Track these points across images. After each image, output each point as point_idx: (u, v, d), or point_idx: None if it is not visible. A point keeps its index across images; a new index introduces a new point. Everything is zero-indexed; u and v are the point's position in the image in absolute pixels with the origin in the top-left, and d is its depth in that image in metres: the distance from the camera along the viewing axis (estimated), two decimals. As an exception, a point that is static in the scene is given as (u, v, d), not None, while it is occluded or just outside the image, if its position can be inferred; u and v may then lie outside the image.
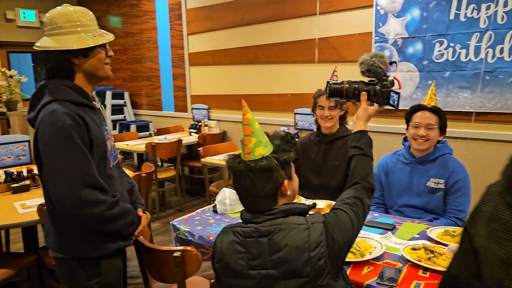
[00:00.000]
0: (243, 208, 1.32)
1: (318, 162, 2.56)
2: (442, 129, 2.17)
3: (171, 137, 4.97)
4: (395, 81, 1.57)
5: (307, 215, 1.27)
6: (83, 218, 1.41)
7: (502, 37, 3.06)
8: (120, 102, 6.21)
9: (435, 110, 2.18)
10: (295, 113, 4.44)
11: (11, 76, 5.39)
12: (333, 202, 2.30)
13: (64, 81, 1.47)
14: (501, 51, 3.07)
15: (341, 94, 1.58)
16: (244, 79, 4.92)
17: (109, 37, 1.54)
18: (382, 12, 3.62)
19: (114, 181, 1.57)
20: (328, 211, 1.30)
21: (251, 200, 1.26)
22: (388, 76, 1.58)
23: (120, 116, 6.21)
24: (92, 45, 1.46)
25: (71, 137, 1.37)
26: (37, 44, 1.47)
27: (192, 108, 5.53)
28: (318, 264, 1.16)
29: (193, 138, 5.05)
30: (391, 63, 1.59)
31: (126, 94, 6.28)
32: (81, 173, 1.38)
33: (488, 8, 3.09)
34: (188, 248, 1.62)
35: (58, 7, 1.50)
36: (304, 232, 1.19)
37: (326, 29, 4.07)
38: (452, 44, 3.29)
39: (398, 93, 1.58)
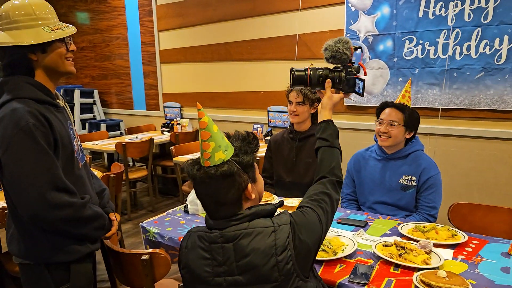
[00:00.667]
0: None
1: (291, 159, 2.55)
2: (409, 126, 2.16)
3: (142, 136, 4.87)
4: (361, 68, 1.52)
5: (274, 216, 1.22)
6: (49, 221, 1.34)
7: (469, 34, 3.12)
8: (89, 100, 6.03)
9: (400, 107, 2.18)
10: (268, 111, 4.41)
11: None
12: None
13: (24, 78, 1.39)
14: (468, 48, 3.13)
15: (305, 81, 1.52)
16: (217, 76, 4.86)
17: (70, 30, 1.45)
18: (353, 9, 3.63)
19: (84, 181, 1.50)
20: (296, 211, 1.26)
21: (214, 208, 1.19)
22: (354, 63, 1.53)
23: (90, 115, 6.04)
24: (49, 40, 1.37)
25: (34, 138, 1.29)
26: None
27: (164, 106, 5.43)
28: (286, 268, 1.12)
29: (165, 137, 4.96)
30: (356, 48, 1.54)
31: (96, 93, 6.11)
32: (46, 175, 1.31)
33: (455, 6, 3.14)
34: (157, 250, 1.56)
35: (13, 0, 1.40)
36: (270, 236, 1.14)
37: (298, 26, 4.06)
38: (421, 41, 3.33)
39: (363, 80, 1.52)
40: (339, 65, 1.54)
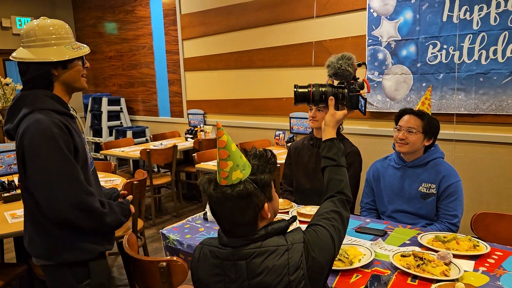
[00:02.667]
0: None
1: (310, 166, 2.54)
2: (427, 133, 2.13)
3: (166, 143, 4.96)
4: (364, 84, 1.51)
5: (287, 233, 1.22)
6: (76, 224, 1.44)
7: (495, 38, 3.04)
8: (116, 108, 6.20)
9: (419, 114, 2.15)
10: (290, 117, 4.42)
11: (6, 84, 5.38)
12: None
13: (43, 91, 1.50)
14: (495, 52, 3.05)
15: (308, 98, 1.51)
16: (239, 83, 4.91)
17: (85, 50, 1.58)
18: (375, 15, 3.60)
19: (92, 186, 1.58)
20: (308, 228, 1.25)
21: (229, 227, 1.19)
22: (358, 79, 1.52)
23: (117, 122, 6.20)
24: (71, 57, 1.49)
25: (59, 146, 1.40)
26: (13, 55, 1.50)
27: (188, 113, 5.52)
28: (298, 287, 1.13)
29: (189, 143, 5.03)
30: (359, 64, 1.53)
31: (122, 100, 6.27)
32: (73, 181, 1.42)
33: (480, 9, 3.07)
34: (174, 258, 1.59)
35: (35, 20, 1.53)
36: (283, 255, 1.14)
37: (321, 32, 4.05)
38: (445, 46, 3.27)
39: (365, 98, 1.51)
40: (343, 81, 1.53)
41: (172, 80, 5.70)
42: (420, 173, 2.17)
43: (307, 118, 4.28)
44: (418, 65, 3.42)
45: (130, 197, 1.82)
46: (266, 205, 1.18)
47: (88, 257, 1.53)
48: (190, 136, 5.26)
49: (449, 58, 3.26)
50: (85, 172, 1.53)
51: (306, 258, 1.14)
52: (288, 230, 1.25)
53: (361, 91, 1.50)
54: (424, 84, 3.41)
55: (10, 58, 1.51)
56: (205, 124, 5.33)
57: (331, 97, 1.49)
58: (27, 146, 1.40)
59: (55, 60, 1.47)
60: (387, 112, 3.67)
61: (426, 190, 2.13)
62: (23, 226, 2.18)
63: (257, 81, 4.72)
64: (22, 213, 2.41)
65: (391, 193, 2.23)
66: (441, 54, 3.30)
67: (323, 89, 1.50)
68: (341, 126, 2.58)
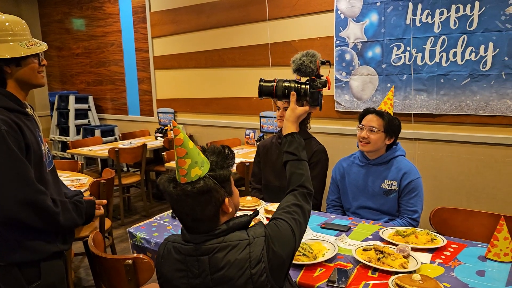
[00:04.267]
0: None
1: (279, 164, 2.58)
2: (388, 132, 2.20)
3: (136, 142, 4.90)
4: (327, 82, 1.54)
5: (249, 227, 1.25)
6: (25, 223, 1.41)
7: (455, 41, 3.17)
8: (84, 106, 6.07)
9: (380, 114, 2.23)
10: (260, 116, 4.46)
11: None
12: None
13: None
14: (454, 55, 3.18)
15: (271, 93, 1.54)
16: (210, 82, 4.91)
17: (42, 47, 1.55)
18: (342, 16, 3.68)
19: (49, 186, 1.56)
20: (270, 222, 1.28)
21: (191, 224, 1.21)
22: (322, 76, 1.56)
23: (85, 121, 6.07)
24: (24, 55, 1.47)
25: (7, 143, 1.37)
26: None
27: (158, 112, 5.47)
28: (259, 280, 1.15)
29: (159, 142, 4.99)
30: (323, 62, 1.56)
31: (91, 98, 6.15)
32: (20, 179, 1.39)
33: (441, 13, 3.20)
34: (141, 255, 1.59)
35: None
36: (245, 249, 1.16)
37: (289, 33, 4.11)
38: (408, 48, 3.38)
39: (321, 94, 1.55)
40: (308, 78, 1.57)
41: (142, 78, 5.63)
42: (382, 170, 2.25)
43: (276, 117, 4.32)
44: (383, 66, 3.53)
45: (98, 201, 1.79)
46: (226, 199, 1.21)
47: (38, 257, 1.50)
48: (160, 135, 5.22)
49: (412, 60, 3.38)
50: (40, 171, 1.51)
51: (267, 251, 1.17)
52: (250, 225, 1.28)
53: (323, 89, 1.54)
54: (388, 85, 3.52)
55: None
56: (175, 123, 5.30)
57: (293, 92, 1.52)
58: None
59: (8, 57, 1.44)
60: (354, 111, 3.76)
61: (388, 187, 2.21)
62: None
63: (228, 80, 4.74)
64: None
65: (355, 190, 2.30)
66: (404, 56, 3.41)
67: (286, 84, 1.53)
68: (308, 125, 2.63)
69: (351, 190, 2.32)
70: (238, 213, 1.31)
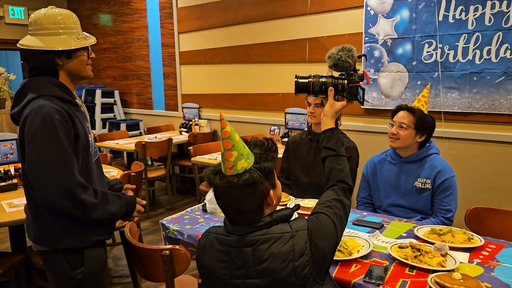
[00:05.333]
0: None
1: (308, 161, 2.58)
2: (419, 129, 2.17)
3: (161, 136, 4.96)
4: (364, 76, 1.53)
5: (291, 221, 1.25)
6: (62, 210, 1.44)
7: (489, 38, 3.10)
8: (110, 100, 6.17)
9: (411, 110, 2.20)
10: (286, 113, 4.45)
11: (-1, 74, 5.34)
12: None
13: (48, 78, 1.52)
14: (488, 52, 3.11)
15: (308, 89, 1.53)
16: (235, 78, 4.92)
17: (91, 40, 1.60)
18: (372, 12, 3.64)
19: (94, 175, 1.60)
20: (311, 216, 1.29)
21: (235, 216, 1.22)
22: (358, 70, 1.54)
23: (110, 115, 6.17)
24: (74, 48, 1.51)
25: (58, 133, 1.41)
26: (20, 42, 1.51)
27: (183, 107, 5.52)
28: (303, 273, 1.16)
29: (184, 137, 5.04)
30: (359, 56, 1.55)
31: (116, 93, 6.24)
32: (63, 168, 1.42)
33: (476, 10, 3.13)
34: (177, 247, 1.62)
35: (43, 9, 1.54)
36: (288, 242, 1.17)
37: (317, 29, 4.08)
38: (440, 45, 3.32)
39: (363, 89, 1.54)
40: (344, 73, 1.55)
41: (167, 73, 5.69)
42: (415, 168, 2.22)
43: (302, 114, 4.32)
44: (414, 63, 3.48)
45: (126, 185, 1.84)
46: (271, 192, 1.22)
47: (82, 245, 1.54)
48: (185, 129, 5.26)
49: (444, 57, 3.32)
50: (86, 161, 1.55)
51: (310, 244, 1.18)
52: (292, 219, 1.28)
53: (360, 83, 1.53)
54: (419, 82, 3.47)
55: (17, 45, 1.52)
56: (199, 118, 5.34)
57: (331, 87, 1.51)
58: (27, 130, 1.43)
59: (60, 49, 1.49)
60: (382, 109, 3.72)
61: (422, 185, 2.18)
62: (20, 215, 2.21)
63: (253, 76, 4.74)
64: (19, 203, 2.42)
65: (387, 187, 2.28)
66: (436, 53, 3.35)
67: (323, 79, 1.52)
68: (339, 122, 2.62)
69: (383, 188, 2.30)
70: None
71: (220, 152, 1.24)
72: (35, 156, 1.41)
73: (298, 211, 2.13)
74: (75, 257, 1.54)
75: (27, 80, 1.53)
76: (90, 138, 1.61)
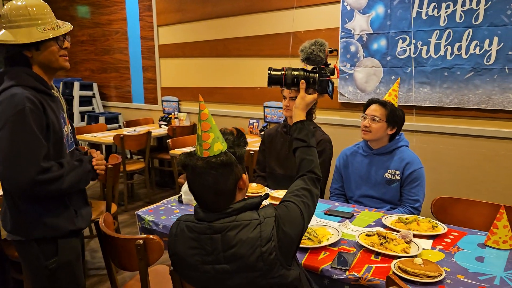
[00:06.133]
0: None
1: (283, 153, 2.63)
2: (390, 122, 2.24)
3: (140, 129, 4.94)
4: (335, 70, 1.57)
5: (260, 208, 1.30)
6: (41, 194, 1.47)
7: (460, 35, 3.20)
8: (89, 93, 6.10)
9: (383, 103, 2.27)
10: (264, 106, 4.49)
11: None
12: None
13: (23, 69, 1.52)
14: (459, 48, 3.21)
15: (281, 81, 1.57)
16: (214, 71, 4.94)
17: (63, 29, 1.57)
18: (348, 8, 3.71)
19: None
20: (280, 204, 1.33)
21: (211, 198, 1.24)
22: (329, 65, 1.59)
23: (89, 108, 6.11)
24: (37, 40, 1.49)
25: (28, 121, 1.42)
26: None
27: (162, 101, 5.51)
28: (269, 258, 1.20)
29: (163, 130, 5.03)
30: (331, 51, 1.59)
31: (95, 86, 6.18)
32: (32, 156, 1.43)
33: (447, 7, 3.22)
34: (151, 236, 1.65)
35: (13, 1, 1.53)
36: (256, 228, 1.22)
37: (295, 23, 4.13)
38: (414, 41, 3.41)
39: (333, 83, 1.58)
40: (316, 67, 1.60)
41: (147, 66, 5.66)
42: (385, 160, 2.30)
43: (280, 108, 4.37)
44: (388, 58, 3.56)
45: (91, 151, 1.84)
46: (243, 175, 1.28)
47: (56, 234, 1.57)
48: (164, 123, 5.26)
49: (417, 53, 3.41)
50: (59, 151, 1.56)
51: (277, 231, 1.23)
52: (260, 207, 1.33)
53: (331, 77, 1.57)
54: (393, 77, 3.55)
55: None
56: (179, 111, 5.34)
57: (302, 80, 1.55)
58: (2, 107, 1.43)
59: (20, 42, 1.47)
60: (357, 103, 3.80)
61: (391, 176, 2.26)
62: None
63: (232, 70, 4.77)
64: (-6, 195, 2.41)
65: (358, 179, 2.35)
66: (409, 49, 3.44)
67: (296, 72, 1.57)
68: (314, 115, 2.68)
69: (354, 179, 2.37)
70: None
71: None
72: (3, 144, 1.41)
73: (272, 202, 2.18)
74: (49, 247, 1.56)
75: (2, 70, 1.53)
76: (65, 129, 1.62)
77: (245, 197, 1.33)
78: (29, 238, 1.54)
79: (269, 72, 1.59)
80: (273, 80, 1.59)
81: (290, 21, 4.16)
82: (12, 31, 1.49)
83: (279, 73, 1.58)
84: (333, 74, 1.57)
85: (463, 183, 3.37)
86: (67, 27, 1.59)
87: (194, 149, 1.26)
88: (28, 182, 1.41)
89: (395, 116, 2.23)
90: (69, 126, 1.69)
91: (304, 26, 4.08)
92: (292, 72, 1.57)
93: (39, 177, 1.43)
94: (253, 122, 4.64)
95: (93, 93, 6.15)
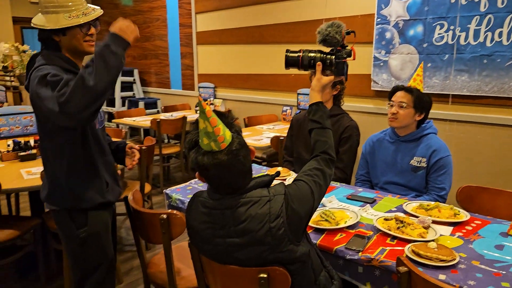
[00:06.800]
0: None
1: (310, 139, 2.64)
2: (418, 108, 2.21)
3: (177, 114, 5.09)
4: (352, 52, 1.56)
5: (270, 186, 1.34)
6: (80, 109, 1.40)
7: (501, 21, 3.06)
8: (130, 79, 6.33)
9: (409, 89, 2.24)
10: (298, 93, 4.50)
11: (23, 51, 5.54)
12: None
13: (54, 52, 1.63)
14: (500, 35, 3.08)
15: (297, 63, 1.58)
16: (250, 58, 4.99)
17: (87, 17, 1.61)
18: (385, -7, 3.63)
19: (100, 141, 1.74)
20: (291, 183, 1.37)
21: (238, 182, 1.28)
22: (346, 46, 1.58)
23: (130, 93, 6.35)
24: (60, 27, 1.57)
25: (47, 80, 1.46)
26: (32, 20, 1.63)
27: (199, 87, 5.63)
28: (278, 233, 1.25)
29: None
30: (348, 33, 1.58)
31: (136, 72, 6.40)
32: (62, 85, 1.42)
33: (489, -9, 3.09)
34: (174, 211, 1.73)
35: None
36: (265, 205, 1.26)
37: (330, 10, 4.09)
38: (452, 27, 3.30)
39: (347, 65, 1.57)
40: (333, 48, 1.59)
41: (185, 53, 5.79)
42: (412, 147, 2.27)
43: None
44: (425, 45, 3.46)
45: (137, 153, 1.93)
46: (251, 147, 1.34)
47: (86, 206, 1.67)
48: (200, 109, 5.37)
49: (455, 39, 3.29)
50: (90, 127, 1.66)
51: (286, 208, 1.27)
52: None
53: (347, 59, 1.58)
54: (429, 65, 3.46)
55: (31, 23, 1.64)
56: (215, 97, 5.45)
57: (319, 62, 1.56)
58: (30, 92, 1.53)
59: (48, 28, 1.57)
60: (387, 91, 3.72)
61: (417, 164, 2.23)
62: (37, 182, 2.38)
63: (267, 57, 4.79)
64: (37, 171, 2.59)
65: (384, 165, 2.34)
66: (447, 35, 3.33)
67: (312, 54, 1.58)
68: (341, 101, 2.68)
69: (379, 166, 2.36)
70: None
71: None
72: (35, 94, 1.47)
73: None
74: (80, 217, 1.68)
75: (35, 53, 1.67)
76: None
77: (255, 176, 1.38)
78: (63, 208, 1.67)
79: (286, 54, 1.61)
80: (290, 62, 1.61)
81: (325, 8, 4.12)
82: (44, 16, 1.60)
83: (296, 55, 1.60)
84: (349, 56, 1.57)
85: (500, 174, 3.25)
86: (94, 14, 1.65)
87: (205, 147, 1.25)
88: (58, 112, 1.39)
89: (422, 102, 2.20)
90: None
91: (338, 12, 4.03)
92: (309, 54, 1.58)
93: (60, 100, 1.38)
94: (287, 109, 4.66)
95: (134, 79, 6.37)
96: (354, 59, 1.57)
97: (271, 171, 2.41)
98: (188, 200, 1.43)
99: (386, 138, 2.38)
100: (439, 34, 3.38)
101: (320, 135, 1.50)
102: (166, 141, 5.73)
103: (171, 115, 5.07)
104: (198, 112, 1.25)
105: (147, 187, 3.24)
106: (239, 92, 5.18)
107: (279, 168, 2.46)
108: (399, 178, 2.28)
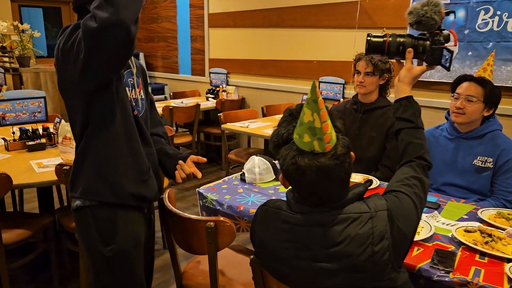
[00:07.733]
0: (291, 189, 1.12)
1: (353, 132, 2.40)
2: (488, 103, 1.96)
3: (187, 101, 4.82)
4: (451, 36, 1.33)
5: (365, 198, 1.11)
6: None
7: (556, 6, 2.81)
8: (135, 63, 6.02)
9: (481, 81, 1.98)
10: (320, 82, 4.24)
11: (23, 31, 5.20)
12: (368, 176, 2.17)
13: None
14: (554, 21, 2.83)
15: (382, 49, 1.34)
16: (267, 43, 4.70)
17: None
18: (422, -25, 3.35)
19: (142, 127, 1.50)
20: (388, 194, 1.14)
21: (336, 192, 1.05)
22: (443, 30, 1.33)
23: (135, 78, 6.04)
24: None
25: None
26: None
27: (210, 72, 5.34)
28: (381, 259, 1.01)
29: (211, 103, 4.89)
30: (447, 13, 1.33)
31: (141, 55, 6.08)
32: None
33: (543, -27, 2.83)
34: (221, 219, 1.49)
35: None
36: (367, 223, 1.02)
37: (358, -8, 3.82)
38: (498, 12, 3.04)
39: (451, 52, 1.33)
40: (425, 32, 1.35)
41: (195, 36, 5.48)
42: (475, 145, 2.03)
43: (338, 84, 4.11)
44: (466, 31, 3.21)
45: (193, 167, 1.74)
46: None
47: (118, 201, 1.41)
48: (212, 96, 5.11)
49: (501, 26, 3.04)
50: (124, 110, 1.41)
51: (390, 227, 1.03)
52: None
53: (446, 44, 1.32)
54: (470, 53, 3.21)
55: None
56: (227, 84, 5.17)
57: (410, 49, 1.31)
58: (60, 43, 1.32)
59: None
60: (426, 81, 3.49)
61: (482, 164, 1.99)
62: (50, 176, 2.12)
63: (286, 42, 4.51)
64: (49, 163, 2.33)
65: (442, 165, 2.10)
66: (493, 21, 3.08)
67: (401, 39, 1.32)
68: (388, 91, 2.43)
69: (437, 165, 2.11)
70: None
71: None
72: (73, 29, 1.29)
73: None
74: (105, 223, 1.41)
75: (67, 25, 1.43)
76: (132, 93, 1.49)
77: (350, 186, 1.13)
78: (90, 199, 1.41)
79: (368, 38, 1.36)
80: (373, 48, 1.36)
81: (354, -10, 3.84)
82: None
83: (381, 39, 1.34)
84: (448, 41, 1.32)
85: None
86: None
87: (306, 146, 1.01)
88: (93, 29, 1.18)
89: (493, 96, 1.95)
90: (141, 94, 1.55)
91: (369, -5, 3.75)
92: (397, 39, 1.33)
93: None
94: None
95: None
96: (455, 45, 1.32)
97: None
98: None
99: (443, 134, 2.14)
100: (483, 19, 3.12)
101: (412, 136, 1.25)
102: (174, 129, 5.46)
103: (182, 102, 4.79)
104: (307, 100, 0.98)
105: (166, 181, 3.00)
106: (254, 79, 4.90)
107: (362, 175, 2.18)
108: (460, 180, 2.04)
